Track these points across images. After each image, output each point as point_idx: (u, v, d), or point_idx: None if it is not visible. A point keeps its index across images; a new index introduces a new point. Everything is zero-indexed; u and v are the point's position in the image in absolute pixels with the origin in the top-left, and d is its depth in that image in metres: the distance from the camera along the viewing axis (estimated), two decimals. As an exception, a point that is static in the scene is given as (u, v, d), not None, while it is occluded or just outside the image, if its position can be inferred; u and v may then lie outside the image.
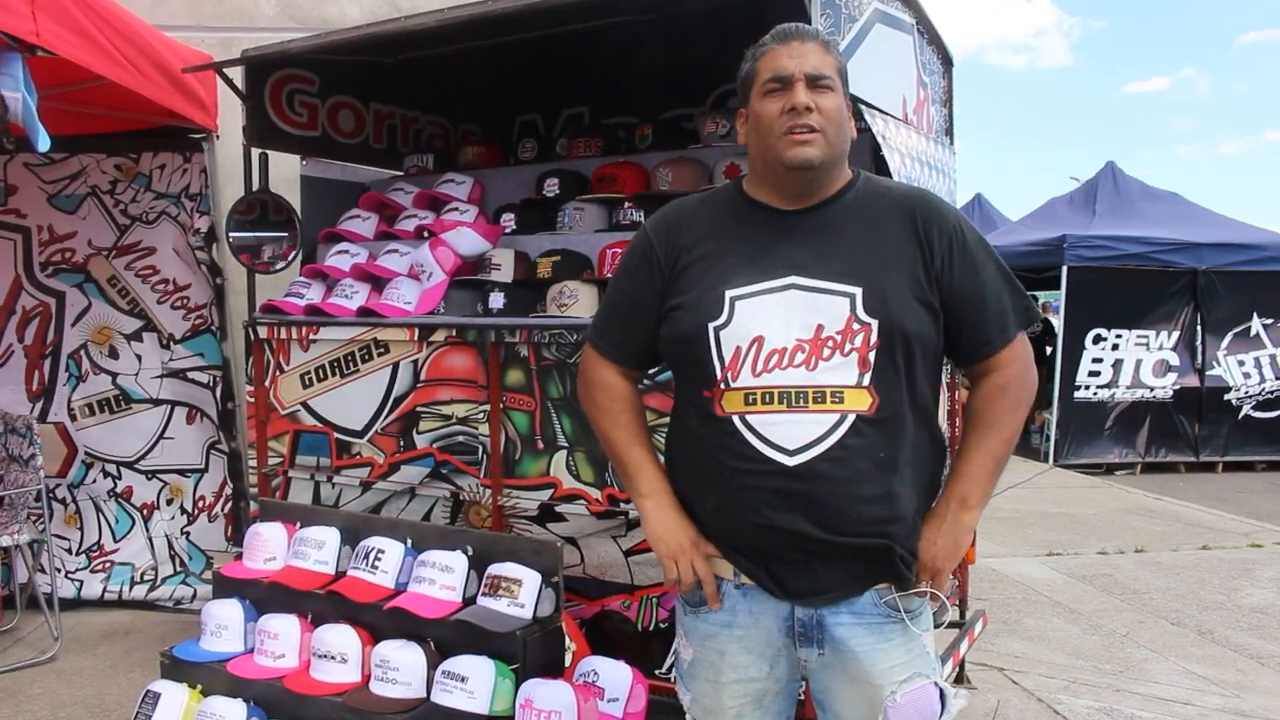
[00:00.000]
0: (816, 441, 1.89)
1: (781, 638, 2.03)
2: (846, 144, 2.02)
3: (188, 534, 5.55)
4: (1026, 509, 8.01)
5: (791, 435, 1.90)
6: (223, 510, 5.53)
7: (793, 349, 1.91)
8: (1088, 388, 10.71)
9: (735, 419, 1.94)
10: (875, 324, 1.90)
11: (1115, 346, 10.73)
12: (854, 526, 1.90)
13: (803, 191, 2.01)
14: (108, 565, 5.55)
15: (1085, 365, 10.68)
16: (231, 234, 4.52)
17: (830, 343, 1.90)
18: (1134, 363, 10.80)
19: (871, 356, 1.89)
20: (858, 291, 1.91)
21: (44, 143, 3.76)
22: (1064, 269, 10.33)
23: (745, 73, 2.06)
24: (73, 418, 5.56)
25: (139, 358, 5.53)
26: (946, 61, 4.41)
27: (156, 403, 5.53)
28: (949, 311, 1.98)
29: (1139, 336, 10.78)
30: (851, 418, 1.89)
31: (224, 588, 3.57)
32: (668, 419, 2.23)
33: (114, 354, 5.55)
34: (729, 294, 1.96)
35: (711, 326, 1.96)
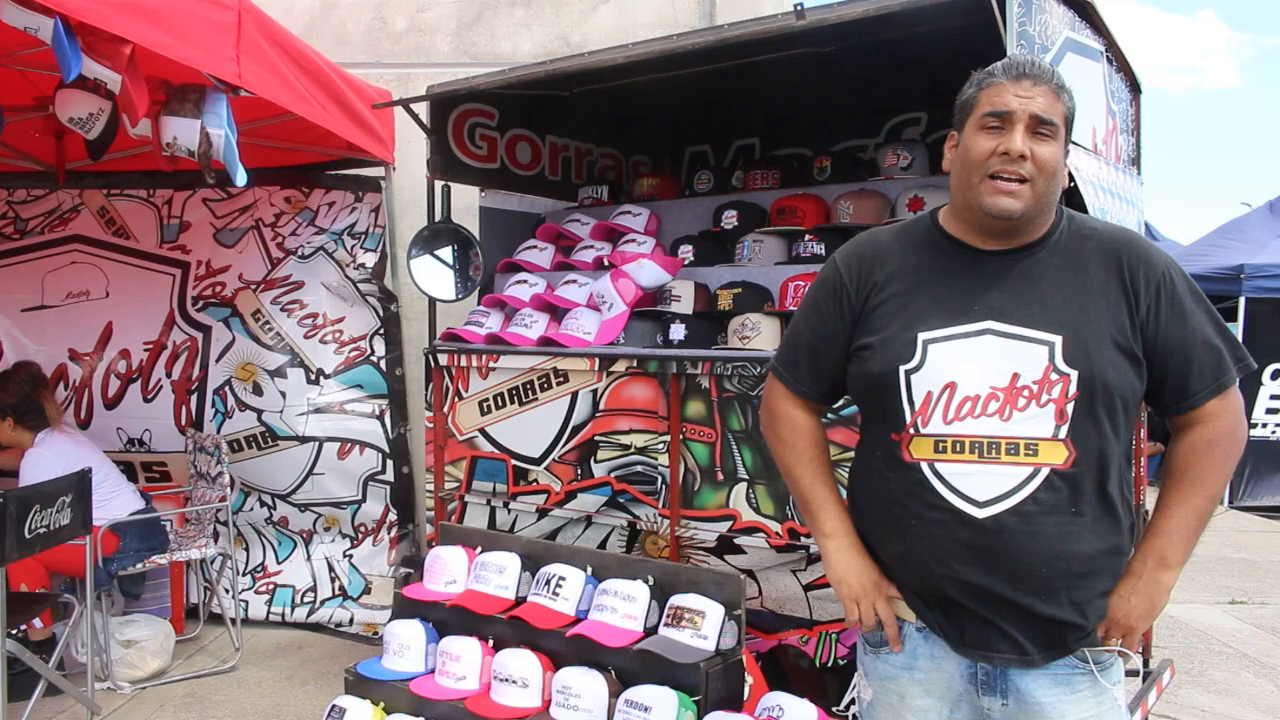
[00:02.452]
0: (1008, 494, 1.83)
1: (963, 683, 1.98)
2: (1057, 194, 1.94)
3: (350, 556, 5.59)
4: (1204, 553, 7.56)
5: (982, 486, 1.85)
6: (388, 535, 5.55)
7: (986, 397, 1.86)
8: (1265, 426, 10.15)
9: (924, 466, 1.90)
10: (1075, 375, 1.83)
11: (1296, 383, 10.17)
12: (1041, 584, 1.84)
13: (1002, 235, 1.95)
14: (270, 587, 5.60)
15: (1263, 402, 10.12)
16: (413, 263, 4.63)
17: (1026, 392, 1.84)
18: (1317, 400, 10.20)
19: (1069, 408, 1.83)
20: (1058, 340, 1.85)
21: (242, 177, 3.96)
22: (1241, 300, 9.84)
23: (966, 98, 1.97)
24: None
25: (283, 394, 5.50)
26: (1134, 88, 4.26)
27: (303, 440, 5.48)
28: (1153, 360, 1.89)
29: (1323, 373, 10.18)
30: (1045, 471, 1.83)
31: (406, 608, 3.66)
32: (852, 454, 2.19)
33: (258, 390, 5.54)
34: (922, 337, 1.92)
35: (903, 369, 1.92)
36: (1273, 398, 10.15)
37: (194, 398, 5.62)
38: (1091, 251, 1.94)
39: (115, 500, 4.74)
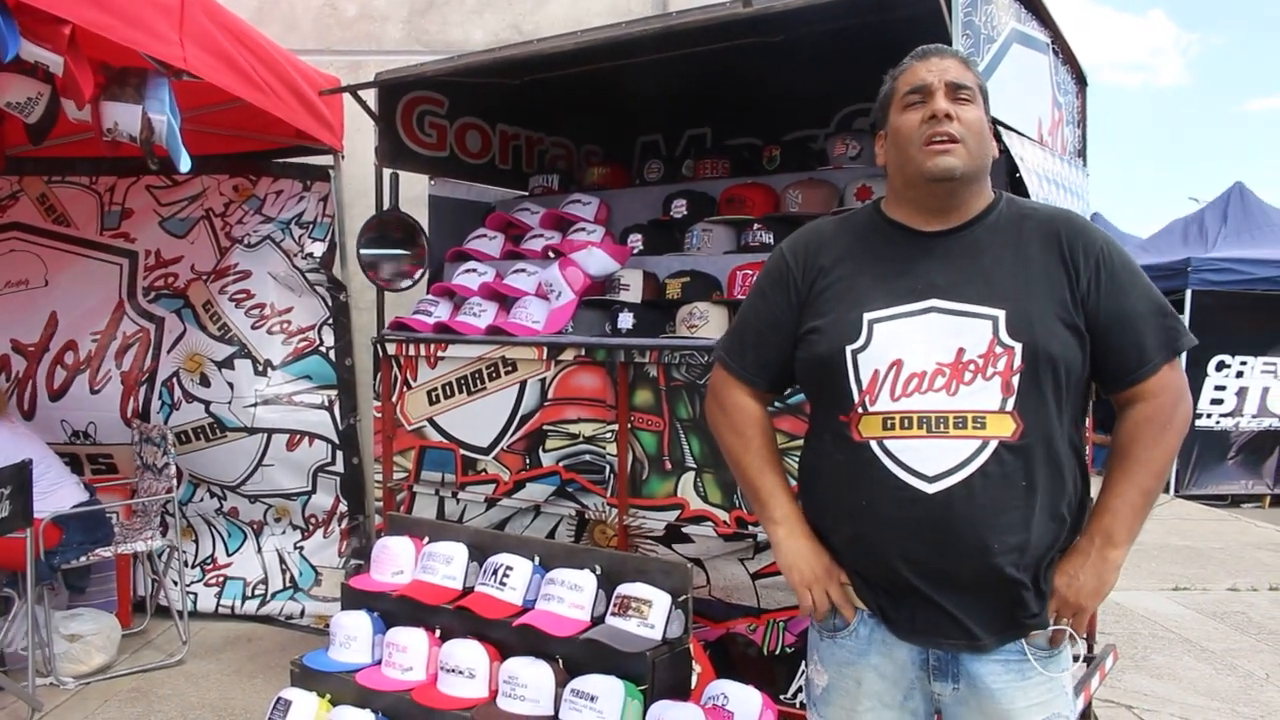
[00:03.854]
0: (957, 468, 1.84)
1: (915, 669, 1.99)
2: (988, 159, 1.98)
3: (301, 548, 5.53)
4: (1149, 540, 7.72)
5: (931, 461, 1.86)
6: (339, 525, 5.51)
7: (932, 373, 1.87)
8: (1210, 416, 10.33)
9: (873, 444, 1.90)
10: (1019, 347, 1.85)
11: (1240, 374, 10.34)
12: (992, 558, 1.85)
13: (944, 207, 1.97)
14: (220, 579, 5.54)
15: (1207, 393, 10.30)
16: (362, 251, 4.59)
17: (972, 366, 1.86)
18: (1260, 391, 10.38)
19: (1015, 381, 1.84)
20: (1001, 314, 1.87)
21: (185, 163, 3.90)
22: (1188, 293, 9.99)
23: (884, 92, 2.04)
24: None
25: (231, 385, 5.39)
26: (1080, 81, 4.31)
27: (251, 431, 5.39)
28: (1095, 336, 1.91)
29: (1266, 364, 10.36)
30: (994, 444, 1.84)
31: (352, 599, 3.63)
32: (799, 442, 2.19)
33: (205, 381, 5.42)
34: (867, 317, 1.93)
35: (849, 350, 1.93)
36: (1217, 388, 10.33)
37: (143, 389, 5.51)
38: (1031, 229, 1.97)
39: (58, 492, 4.66)
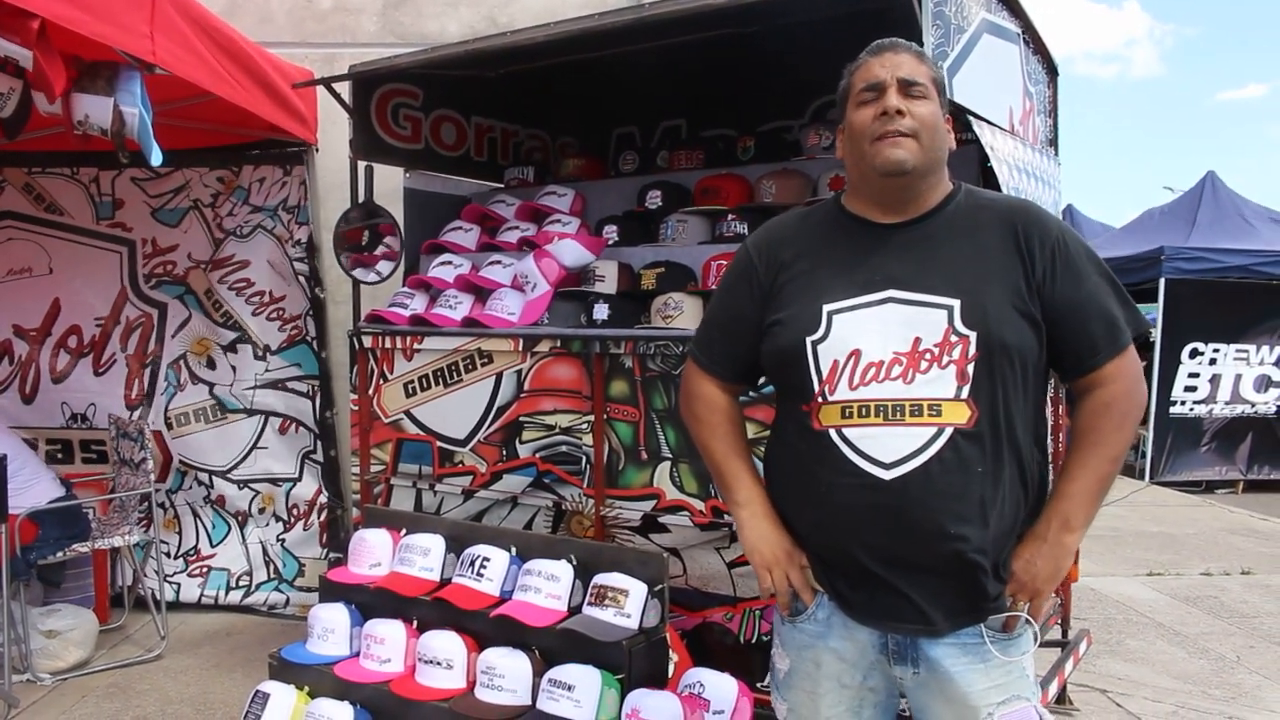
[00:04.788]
0: (913, 455, 1.87)
1: (875, 653, 2.02)
2: (944, 152, 2.01)
3: (283, 540, 5.61)
4: (1124, 527, 7.82)
5: (888, 448, 1.89)
6: (318, 517, 5.57)
7: (889, 362, 1.90)
8: (1184, 403, 10.43)
9: (832, 432, 1.94)
10: (974, 336, 1.88)
11: (1213, 361, 10.45)
12: (950, 545, 1.88)
13: (900, 200, 2.00)
14: (204, 570, 5.63)
15: (1181, 380, 10.41)
16: (337, 245, 4.59)
17: (928, 355, 1.89)
18: (1233, 377, 10.50)
19: (970, 369, 1.87)
20: (956, 303, 1.90)
21: (157, 157, 3.88)
22: (1161, 281, 10.08)
23: (842, 88, 2.07)
24: (169, 426, 5.66)
25: (234, 369, 5.62)
26: (1051, 71, 4.35)
27: (250, 413, 5.61)
28: (1052, 324, 1.94)
29: (1238, 351, 10.48)
30: (949, 431, 1.87)
31: (330, 592, 3.63)
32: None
33: (211, 364, 5.67)
34: (826, 308, 1.97)
35: (809, 341, 1.96)
36: (1191, 376, 10.42)
37: (148, 372, 5.71)
38: (988, 220, 2.00)
39: (34, 488, 4.64)
